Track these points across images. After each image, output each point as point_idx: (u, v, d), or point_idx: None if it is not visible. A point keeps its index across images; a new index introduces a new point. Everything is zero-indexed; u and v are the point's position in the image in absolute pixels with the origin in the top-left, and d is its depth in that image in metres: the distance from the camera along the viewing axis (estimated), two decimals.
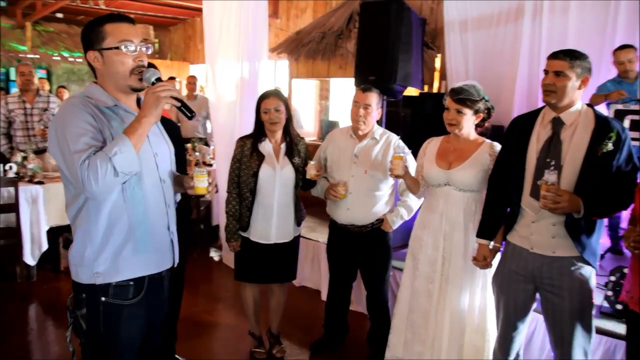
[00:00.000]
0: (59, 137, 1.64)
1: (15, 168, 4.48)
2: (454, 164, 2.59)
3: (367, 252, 3.11)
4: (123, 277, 1.74)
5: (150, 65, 2.58)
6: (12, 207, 4.15)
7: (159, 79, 1.73)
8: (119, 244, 1.73)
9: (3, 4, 7.42)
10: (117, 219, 1.72)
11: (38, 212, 4.28)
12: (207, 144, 6.43)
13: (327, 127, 7.30)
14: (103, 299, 1.72)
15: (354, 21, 6.18)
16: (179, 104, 1.68)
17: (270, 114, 2.92)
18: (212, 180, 1.93)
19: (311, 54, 6.43)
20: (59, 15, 9.79)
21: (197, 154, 5.93)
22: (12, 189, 4.16)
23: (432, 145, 2.76)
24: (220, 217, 5.05)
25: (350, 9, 6.37)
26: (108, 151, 1.56)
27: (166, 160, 1.91)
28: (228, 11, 4.66)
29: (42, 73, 10.18)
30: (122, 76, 1.74)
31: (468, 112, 2.53)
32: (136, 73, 1.74)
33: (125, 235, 1.74)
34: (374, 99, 2.97)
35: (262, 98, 2.98)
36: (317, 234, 4.49)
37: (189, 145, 5.95)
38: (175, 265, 1.95)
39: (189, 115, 1.72)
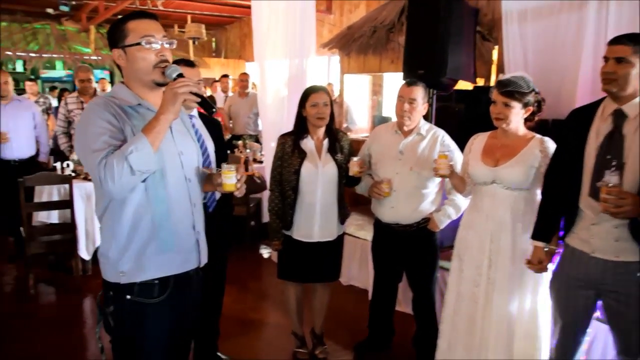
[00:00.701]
0: (81, 136, 1.67)
1: (72, 166, 4.64)
2: (501, 161, 2.44)
3: (413, 252, 3.00)
4: (147, 276, 1.73)
5: (187, 64, 2.58)
6: (68, 203, 4.29)
7: (180, 76, 1.70)
8: (142, 243, 1.72)
9: (66, 8, 7.72)
10: (140, 218, 1.71)
11: (92, 209, 4.41)
12: (258, 141, 6.46)
13: (379, 123, 7.10)
14: (128, 297, 1.72)
15: (406, 14, 6.01)
16: (198, 100, 1.64)
17: (318, 108, 2.86)
18: (241, 177, 1.89)
19: (362, 49, 6.30)
20: (120, 17, 10.09)
21: (248, 151, 5.96)
22: (67, 186, 4.31)
23: (478, 141, 2.61)
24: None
25: (402, 2, 6.20)
26: (124, 150, 1.55)
27: (193, 158, 1.89)
28: (275, 8, 4.65)
29: (105, 74, 10.59)
30: (144, 71, 1.73)
31: (516, 106, 2.37)
32: (159, 67, 1.73)
33: (148, 235, 1.73)
34: (419, 93, 2.84)
35: (310, 92, 2.92)
36: (365, 232, 4.39)
37: (239, 142, 5.99)
38: (202, 265, 1.92)
39: (210, 110, 1.70)
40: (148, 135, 1.57)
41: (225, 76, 8.52)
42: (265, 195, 5.54)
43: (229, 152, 6.25)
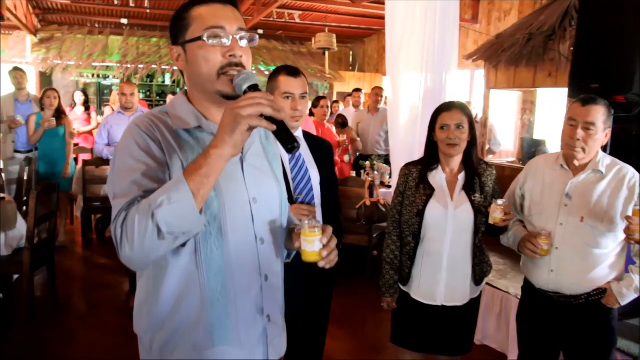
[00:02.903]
0: (112, 170, 1.21)
1: None
2: None
3: (578, 334, 2.17)
4: None
5: (289, 72, 2.05)
6: None
7: (253, 89, 1.15)
8: (186, 329, 1.21)
9: None
10: (185, 293, 1.21)
11: None
12: (387, 162, 5.84)
13: (529, 147, 6.19)
14: None
15: (570, 18, 5.05)
16: (273, 128, 1.07)
17: (449, 132, 2.19)
18: (330, 240, 1.27)
19: (513, 60, 5.41)
20: (260, 31, 10.15)
21: (375, 173, 5.37)
22: None
23: None
24: None
25: (566, 4, 5.23)
26: (153, 200, 1.04)
27: (272, 207, 1.34)
28: (411, 16, 4.03)
29: None
30: (207, 78, 1.22)
31: None
32: (227, 74, 1.20)
33: (195, 319, 1.21)
34: (599, 115, 2.04)
35: (441, 110, 2.27)
36: (507, 283, 3.57)
37: (367, 163, 5.42)
38: None
39: (288, 146, 1.10)
40: (191, 179, 1.05)
41: (358, 90, 8.03)
42: None
43: (354, 173, 5.79)
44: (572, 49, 4.92)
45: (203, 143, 1.23)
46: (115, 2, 7.84)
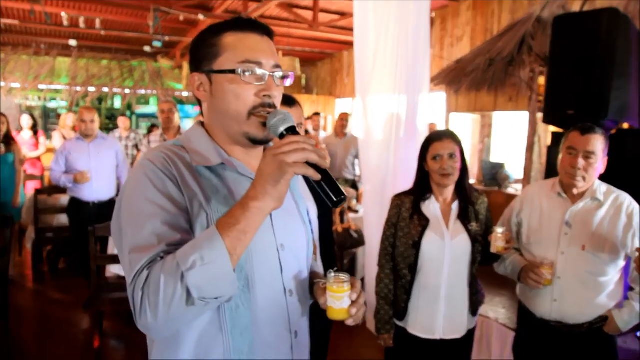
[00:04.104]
0: (118, 214, 1.04)
1: None
2: None
3: None
4: None
5: (286, 101, 1.92)
6: None
7: (291, 130, 1.03)
8: None
9: (159, 44, 7.65)
10: (206, 357, 1.05)
11: None
12: (354, 186, 5.79)
13: (488, 169, 6.31)
14: None
15: (528, 45, 5.22)
16: (318, 177, 0.96)
17: (442, 162, 2.15)
18: (359, 296, 1.16)
19: (475, 85, 5.54)
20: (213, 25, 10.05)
21: None
22: None
23: None
24: (366, 268, 4.35)
25: (522, 31, 5.41)
26: (182, 259, 0.89)
27: (300, 254, 1.21)
28: (384, 38, 4.01)
29: (197, 110, 10.50)
30: (234, 117, 1.09)
31: None
32: (258, 115, 1.08)
33: None
34: (599, 143, 2.05)
35: (432, 140, 2.23)
36: (486, 307, 3.56)
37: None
38: None
39: (334, 199, 0.98)
40: (226, 235, 0.92)
41: (317, 114, 8.02)
42: (361, 250, 4.88)
43: None
44: (531, 74, 5.14)
45: (227, 182, 1.10)
46: (65, 24, 7.52)
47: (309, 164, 0.94)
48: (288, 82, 1.14)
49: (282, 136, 1.03)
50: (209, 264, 0.89)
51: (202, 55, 1.13)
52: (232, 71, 1.08)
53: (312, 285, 1.26)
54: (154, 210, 0.98)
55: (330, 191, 0.97)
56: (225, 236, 0.91)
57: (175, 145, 1.13)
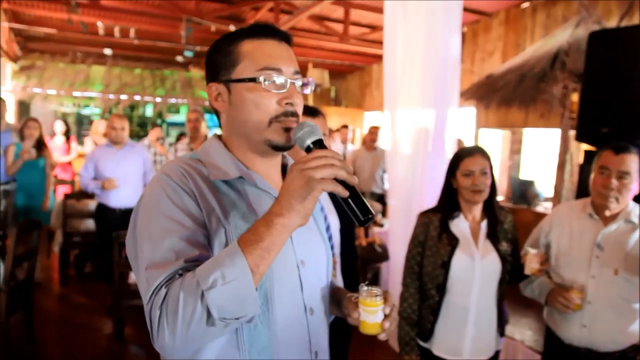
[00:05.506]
0: (134, 230, 1.00)
1: None
2: None
3: None
4: None
5: (309, 112, 1.90)
6: None
7: (318, 143, 1.00)
8: None
9: (190, 54, 7.75)
10: None
11: None
12: (381, 200, 5.73)
13: (518, 187, 6.18)
14: None
15: (562, 62, 5.11)
16: (346, 194, 0.91)
17: (474, 178, 2.09)
18: (392, 310, 1.13)
19: (505, 101, 5.44)
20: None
21: None
22: None
23: None
24: (389, 283, 4.28)
25: (556, 47, 5.31)
26: (202, 278, 0.86)
27: (320, 271, 1.17)
28: (412, 51, 3.97)
29: None
30: (255, 126, 1.06)
31: None
32: (281, 122, 1.05)
33: None
34: (633, 163, 1.97)
35: (462, 156, 2.16)
36: (512, 328, 3.45)
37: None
38: None
39: (362, 218, 0.93)
40: (249, 252, 0.88)
41: (345, 127, 7.99)
42: (385, 265, 4.81)
43: None
44: (564, 91, 5.02)
45: (246, 197, 1.07)
46: (100, 33, 7.70)
47: (338, 180, 0.90)
48: (308, 90, 1.12)
49: (308, 149, 1.00)
50: (231, 282, 0.85)
51: (219, 64, 1.10)
52: (253, 79, 1.05)
53: (335, 301, 1.24)
54: (172, 225, 0.96)
55: (357, 209, 0.94)
56: (248, 254, 0.88)
57: (193, 158, 1.11)
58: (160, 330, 0.86)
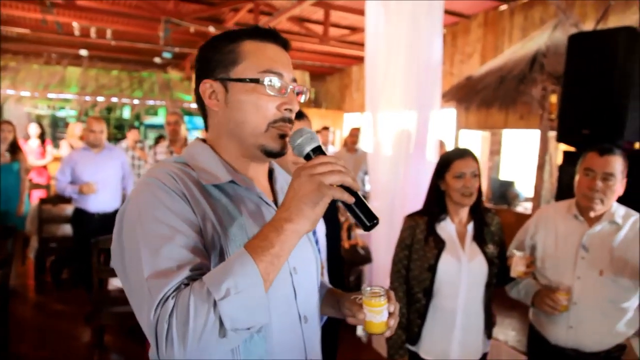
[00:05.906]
0: (123, 239, 0.95)
1: None
2: None
3: None
4: None
5: (296, 116, 1.87)
6: None
7: (318, 152, 0.98)
8: None
9: (169, 55, 7.65)
10: None
11: None
12: None
13: (497, 187, 6.24)
14: None
15: (540, 64, 5.17)
16: (352, 200, 0.91)
17: (465, 181, 2.08)
18: (395, 309, 1.14)
19: (486, 102, 5.48)
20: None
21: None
22: None
23: None
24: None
25: (534, 50, 5.37)
26: (213, 287, 0.82)
27: (311, 277, 1.15)
28: (395, 53, 3.97)
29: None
30: (251, 129, 1.03)
31: None
32: (278, 127, 1.03)
33: None
34: (618, 165, 1.99)
35: (453, 158, 2.15)
36: (498, 330, 3.47)
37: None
38: None
39: (367, 224, 0.93)
40: (259, 259, 0.85)
41: (326, 128, 7.97)
42: (368, 268, 4.80)
43: None
44: (543, 92, 5.08)
45: (237, 201, 1.03)
46: (76, 33, 7.55)
47: (343, 186, 0.90)
48: (303, 98, 1.10)
49: (308, 156, 0.98)
50: (243, 291, 0.82)
51: (215, 61, 1.06)
52: (256, 80, 1.02)
53: (331, 302, 1.24)
54: (167, 232, 0.91)
55: (362, 215, 0.93)
56: (259, 261, 0.85)
57: (179, 162, 1.06)
58: (169, 343, 0.82)
